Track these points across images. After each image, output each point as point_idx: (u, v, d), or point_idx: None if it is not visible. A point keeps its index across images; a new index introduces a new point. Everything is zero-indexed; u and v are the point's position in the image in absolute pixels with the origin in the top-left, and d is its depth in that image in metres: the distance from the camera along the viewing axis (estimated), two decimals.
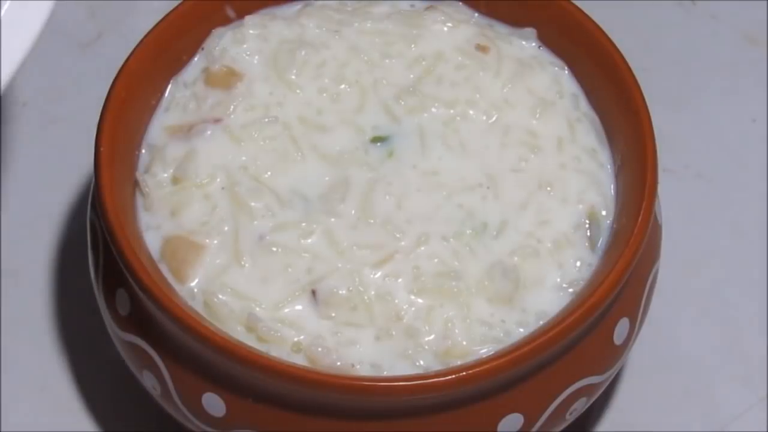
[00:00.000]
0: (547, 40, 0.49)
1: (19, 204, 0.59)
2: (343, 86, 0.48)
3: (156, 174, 0.46)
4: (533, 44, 0.50)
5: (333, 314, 0.43)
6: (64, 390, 0.54)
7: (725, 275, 0.57)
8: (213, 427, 0.43)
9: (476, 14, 0.50)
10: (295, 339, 0.43)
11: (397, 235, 0.44)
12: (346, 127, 0.47)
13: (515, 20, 0.50)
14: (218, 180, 0.45)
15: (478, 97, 0.48)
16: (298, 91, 0.48)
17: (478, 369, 0.40)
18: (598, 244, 0.45)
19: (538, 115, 0.48)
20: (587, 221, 0.46)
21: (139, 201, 0.46)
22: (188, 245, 0.44)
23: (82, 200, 0.48)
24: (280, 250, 0.44)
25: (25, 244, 0.58)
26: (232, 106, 0.47)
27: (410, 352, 0.43)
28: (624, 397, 0.54)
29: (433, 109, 0.47)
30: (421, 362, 0.42)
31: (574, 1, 0.49)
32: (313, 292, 0.43)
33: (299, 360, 0.42)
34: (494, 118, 0.47)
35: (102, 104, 0.46)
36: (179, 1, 0.48)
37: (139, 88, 0.47)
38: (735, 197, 0.59)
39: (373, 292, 0.43)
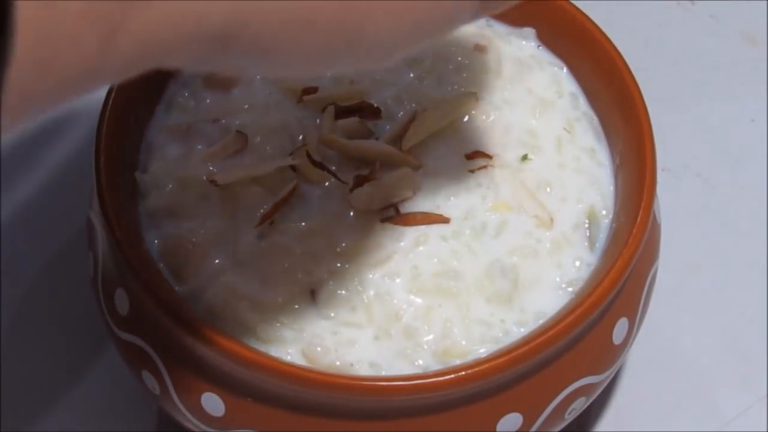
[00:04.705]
0: (546, 39, 0.49)
1: (19, 204, 0.59)
2: (341, 86, 0.48)
3: (155, 174, 0.46)
4: (532, 44, 0.50)
5: (332, 314, 0.43)
6: (64, 390, 0.54)
7: (725, 275, 0.57)
8: (212, 427, 0.43)
9: None
10: (295, 339, 0.43)
11: (396, 235, 0.44)
12: None
13: (514, 20, 0.50)
14: (217, 180, 0.45)
15: (478, 96, 0.48)
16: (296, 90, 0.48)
17: (476, 369, 0.40)
18: (597, 244, 0.45)
19: (537, 115, 0.48)
20: (586, 221, 0.46)
21: (139, 201, 0.46)
22: (188, 245, 0.44)
23: (82, 200, 0.48)
24: (279, 250, 0.44)
25: (25, 244, 0.58)
26: (231, 107, 0.47)
27: (409, 351, 0.43)
28: (623, 397, 0.54)
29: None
30: (420, 362, 0.42)
31: (573, 1, 0.49)
32: (313, 292, 0.43)
33: (298, 360, 0.42)
34: (493, 118, 0.47)
35: (102, 104, 0.46)
36: None
37: (139, 88, 0.47)
38: (734, 197, 0.59)
39: (372, 292, 0.43)
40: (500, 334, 0.43)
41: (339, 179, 0.45)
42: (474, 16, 0.31)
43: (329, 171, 0.45)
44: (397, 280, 0.44)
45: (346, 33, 0.28)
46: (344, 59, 0.29)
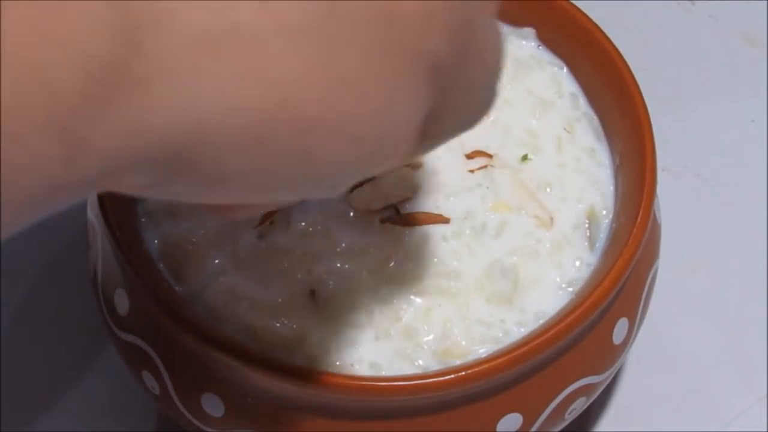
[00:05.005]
0: (546, 39, 0.49)
1: None
2: None
3: None
4: (532, 44, 0.50)
5: (332, 314, 0.43)
6: (64, 390, 0.54)
7: (725, 275, 0.57)
8: (212, 428, 0.43)
9: None
10: (295, 339, 0.43)
11: (396, 235, 0.44)
12: None
13: (514, 20, 0.50)
14: None
15: None
16: None
17: (476, 369, 0.40)
18: (597, 244, 0.45)
19: (537, 115, 0.48)
20: (587, 221, 0.46)
21: (139, 201, 0.46)
22: (188, 245, 0.44)
23: (82, 200, 0.48)
24: (279, 250, 0.44)
25: (25, 244, 0.58)
26: None
27: (409, 351, 0.43)
28: (623, 397, 0.54)
29: None
30: (420, 362, 0.42)
31: (573, 1, 0.49)
32: (312, 292, 0.43)
33: (299, 360, 0.42)
34: (493, 118, 0.47)
35: None
36: None
37: None
38: (734, 197, 0.60)
39: (372, 292, 0.43)
40: (500, 334, 0.43)
41: None
42: (413, 153, 0.32)
43: None
44: (397, 280, 0.44)
45: (300, 157, 0.28)
46: (294, 187, 0.29)
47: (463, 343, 0.43)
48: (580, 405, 0.45)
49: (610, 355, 0.45)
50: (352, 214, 0.45)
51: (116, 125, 0.25)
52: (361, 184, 0.45)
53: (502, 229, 0.45)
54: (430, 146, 0.32)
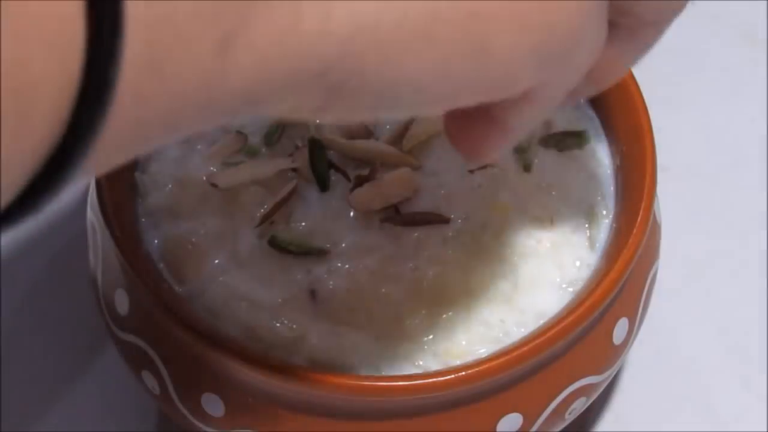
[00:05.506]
0: None
1: None
2: None
3: (155, 174, 0.46)
4: None
5: (332, 314, 0.43)
6: (64, 390, 0.54)
7: (725, 275, 0.57)
8: (212, 427, 0.43)
9: None
10: (294, 339, 0.43)
11: (396, 235, 0.44)
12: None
13: None
14: (218, 184, 0.45)
15: None
16: None
17: (477, 369, 0.40)
18: (597, 244, 0.45)
19: None
20: (586, 221, 0.46)
21: (139, 201, 0.46)
22: (187, 245, 0.44)
23: (82, 200, 0.48)
24: (279, 249, 0.44)
25: (25, 244, 0.58)
26: None
27: (409, 351, 0.43)
28: (623, 397, 0.54)
29: None
30: (421, 362, 0.42)
31: None
32: (312, 292, 0.43)
33: (299, 360, 0.42)
34: None
35: None
36: None
37: None
38: (734, 197, 0.59)
39: (372, 293, 0.43)
40: (500, 335, 0.43)
41: (345, 175, 0.45)
42: (593, 53, 0.30)
43: (336, 167, 0.45)
44: (398, 281, 0.43)
45: (470, 45, 0.27)
46: (468, 85, 0.28)
47: (463, 343, 0.43)
48: (580, 405, 0.45)
49: (610, 355, 0.45)
50: (352, 214, 0.45)
51: (267, 28, 0.24)
52: (361, 184, 0.45)
53: (502, 229, 0.45)
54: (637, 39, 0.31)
